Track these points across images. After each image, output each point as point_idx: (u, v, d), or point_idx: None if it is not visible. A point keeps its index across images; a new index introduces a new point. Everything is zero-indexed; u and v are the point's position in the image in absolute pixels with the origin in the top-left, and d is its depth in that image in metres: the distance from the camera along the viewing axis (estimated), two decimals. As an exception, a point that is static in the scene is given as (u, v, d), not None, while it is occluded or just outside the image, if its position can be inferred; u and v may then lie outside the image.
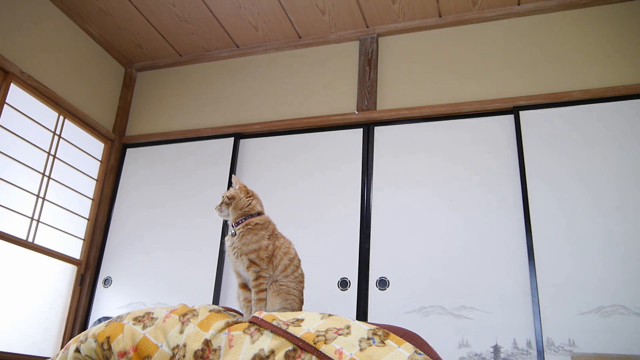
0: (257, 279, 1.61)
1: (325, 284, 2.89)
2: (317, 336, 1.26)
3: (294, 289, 1.65)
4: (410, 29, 3.36)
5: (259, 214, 1.75)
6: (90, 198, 3.50)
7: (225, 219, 1.78)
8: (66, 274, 3.29)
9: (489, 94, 3.04)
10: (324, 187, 3.14)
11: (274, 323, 1.33)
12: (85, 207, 3.46)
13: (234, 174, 3.25)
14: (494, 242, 2.72)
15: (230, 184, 3.25)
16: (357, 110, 3.24)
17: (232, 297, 3.05)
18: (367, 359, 1.19)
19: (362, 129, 3.21)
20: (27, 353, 2.96)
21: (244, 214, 1.73)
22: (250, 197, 1.77)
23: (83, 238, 3.42)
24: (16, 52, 3.03)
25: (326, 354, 1.21)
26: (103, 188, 3.57)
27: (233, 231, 1.71)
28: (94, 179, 3.55)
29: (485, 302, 2.61)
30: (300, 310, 1.65)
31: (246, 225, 1.69)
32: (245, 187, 1.80)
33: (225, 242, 1.74)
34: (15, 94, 3.02)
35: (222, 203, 1.76)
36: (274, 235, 1.71)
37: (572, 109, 2.85)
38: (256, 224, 1.70)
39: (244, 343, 1.30)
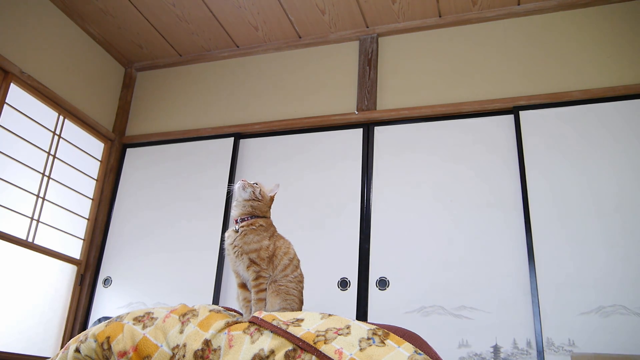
0: (257, 278, 1.61)
1: (325, 284, 2.89)
2: (317, 336, 1.26)
3: (294, 289, 1.65)
4: (410, 29, 3.36)
5: (265, 216, 1.76)
6: (90, 198, 3.50)
7: (236, 201, 1.75)
8: (66, 273, 3.29)
9: (489, 94, 3.04)
10: (324, 187, 3.14)
11: (274, 323, 1.33)
12: (85, 207, 3.46)
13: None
14: (494, 242, 2.72)
15: (230, 184, 3.25)
16: (357, 110, 3.24)
17: (232, 297, 3.05)
18: (367, 359, 1.19)
19: (362, 129, 3.21)
20: (27, 353, 2.96)
21: (253, 214, 1.72)
22: (269, 207, 1.79)
23: (83, 238, 3.42)
24: (16, 52, 3.03)
25: (326, 353, 1.21)
26: (103, 188, 3.57)
27: (236, 227, 1.70)
28: (94, 179, 3.55)
29: (485, 302, 2.61)
30: (300, 310, 1.65)
31: (250, 224, 1.69)
32: (273, 199, 1.80)
33: (226, 239, 1.73)
34: (15, 94, 3.02)
35: (252, 191, 1.73)
36: (274, 236, 1.72)
37: (572, 109, 2.85)
38: (260, 225, 1.70)
39: (243, 343, 1.30)
